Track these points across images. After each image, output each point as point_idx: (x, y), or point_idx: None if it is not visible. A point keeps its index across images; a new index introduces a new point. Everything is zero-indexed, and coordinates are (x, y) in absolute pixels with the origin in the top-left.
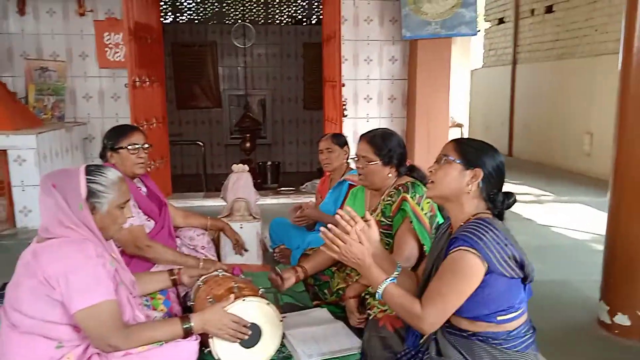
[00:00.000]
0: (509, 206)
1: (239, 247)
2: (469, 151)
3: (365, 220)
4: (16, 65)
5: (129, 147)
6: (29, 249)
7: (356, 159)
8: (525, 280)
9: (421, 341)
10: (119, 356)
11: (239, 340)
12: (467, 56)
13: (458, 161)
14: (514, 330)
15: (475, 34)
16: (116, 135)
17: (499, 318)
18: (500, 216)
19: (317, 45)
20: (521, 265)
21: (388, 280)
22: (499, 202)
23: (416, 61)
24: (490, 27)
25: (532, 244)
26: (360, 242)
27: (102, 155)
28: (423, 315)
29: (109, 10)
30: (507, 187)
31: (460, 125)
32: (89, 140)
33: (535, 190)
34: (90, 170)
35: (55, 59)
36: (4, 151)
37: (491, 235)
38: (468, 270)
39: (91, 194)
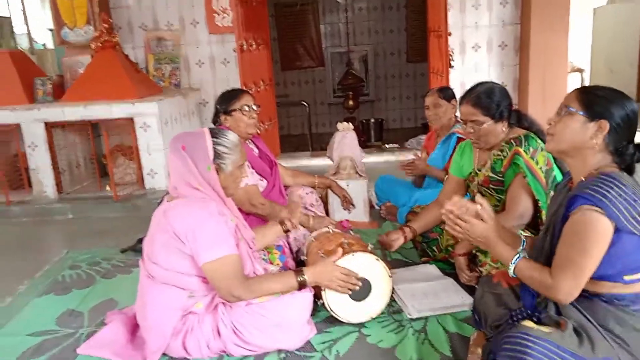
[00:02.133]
0: None
1: (347, 202)
2: (594, 100)
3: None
4: (136, 37)
5: (242, 109)
6: (161, 207)
7: (463, 123)
8: None
9: (539, 300)
10: (242, 305)
11: (349, 292)
12: None
13: (581, 112)
14: None
15: None
16: (228, 99)
17: (626, 278)
18: (629, 170)
19: None
20: None
21: (518, 256)
22: (628, 155)
23: (530, 2)
24: None
25: None
26: (482, 220)
27: (215, 120)
28: (556, 285)
29: None
30: (638, 138)
31: (580, 70)
32: (203, 105)
33: None
34: (214, 133)
35: (170, 28)
36: (131, 119)
37: (617, 192)
38: (595, 231)
39: (217, 155)
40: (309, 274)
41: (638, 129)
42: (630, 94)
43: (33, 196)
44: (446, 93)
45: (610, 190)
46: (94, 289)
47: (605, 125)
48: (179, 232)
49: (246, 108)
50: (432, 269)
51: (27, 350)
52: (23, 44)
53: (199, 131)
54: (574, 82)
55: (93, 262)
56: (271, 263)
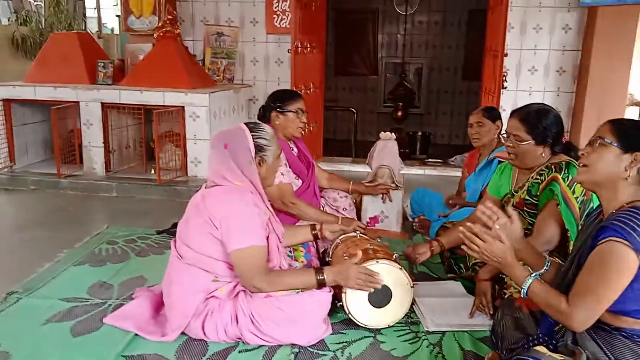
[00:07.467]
0: None
1: (384, 190)
2: (629, 132)
3: (508, 216)
4: (197, 30)
5: (297, 111)
6: (199, 192)
7: (506, 136)
8: None
9: (556, 328)
10: (261, 297)
11: (369, 290)
12: None
13: (615, 144)
14: None
15: None
16: (286, 99)
17: None
18: None
19: (484, 13)
20: None
21: (531, 277)
22: None
23: (594, 30)
24: None
25: None
26: (500, 241)
27: (263, 115)
28: (571, 313)
29: None
30: None
31: (639, 104)
32: (253, 102)
33: None
34: (252, 128)
35: (230, 24)
36: (182, 107)
37: None
38: (620, 264)
39: (259, 148)
40: (328, 273)
41: None
42: None
43: (83, 171)
44: (491, 113)
45: None
46: (127, 265)
47: None
48: (214, 218)
49: (300, 111)
50: (456, 286)
51: (58, 314)
52: (93, 27)
53: (238, 128)
54: (631, 116)
55: (130, 239)
56: (296, 260)
